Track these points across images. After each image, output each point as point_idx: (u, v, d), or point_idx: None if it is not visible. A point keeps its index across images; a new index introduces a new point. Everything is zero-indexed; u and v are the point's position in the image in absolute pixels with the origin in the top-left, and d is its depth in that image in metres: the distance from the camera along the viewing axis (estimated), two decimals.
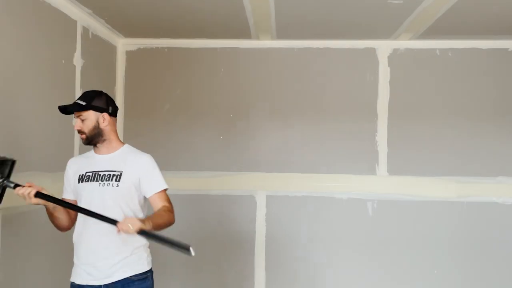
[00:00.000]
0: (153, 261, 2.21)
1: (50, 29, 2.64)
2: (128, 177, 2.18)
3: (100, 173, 2.18)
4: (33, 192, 1.95)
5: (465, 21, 3.09)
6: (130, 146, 2.32)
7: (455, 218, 3.53)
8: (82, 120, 2.17)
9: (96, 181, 2.16)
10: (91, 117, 2.18)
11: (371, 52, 3.61)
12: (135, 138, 3.68)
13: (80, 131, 2.17)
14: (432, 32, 3.30)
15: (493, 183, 3.53)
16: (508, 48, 3.54)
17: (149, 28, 3.40)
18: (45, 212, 2.13)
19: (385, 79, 3.59)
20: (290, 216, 3.64)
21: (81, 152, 2.97)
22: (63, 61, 2.79)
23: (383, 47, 3.60)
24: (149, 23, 3.28)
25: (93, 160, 2.23)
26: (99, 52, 3.32)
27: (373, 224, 3.58)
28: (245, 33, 3.44)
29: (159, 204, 2.18)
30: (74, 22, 2.92)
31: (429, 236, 3.54)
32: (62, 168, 2.73)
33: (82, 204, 2.15)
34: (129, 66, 3.70)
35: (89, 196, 2.14)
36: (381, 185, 3.57)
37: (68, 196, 2.26)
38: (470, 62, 3.57)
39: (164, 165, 3.57)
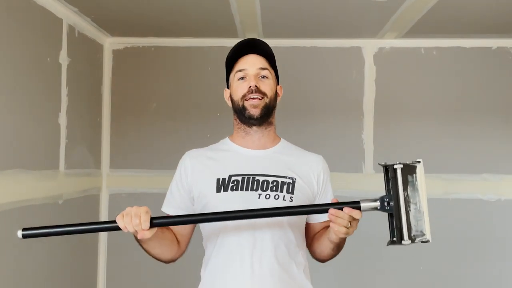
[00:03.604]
0: None
1: (35, 27, 2.64)
2: (303, 188, 1.50)
3: (258, 178, 1.44)
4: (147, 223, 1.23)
5: (448, 20, 3.13)
6: (289, 142, 1.62)
7: (441, 215, 3.57)
8: (263, 77, 1.52)
9: (254, 189, 1.43)
10: (273, 80, 1.55)
11: (357, 51, 3.64)
12: (122, 137, 3.69)
13: (258, 90, 1.49)
14: (416, 30, 3.34)
15: (478, 180, 3.57)
16: (491, 47, 3.59)
17: (136, 27, 3.40)
18: None
19: (371, 77, 3.63)
20: None
21: (68, 149, 2.96)
22: (48, 59, 2.79)
23: (369, 46, 3.63)
24: (136, 22, 3.28)
25: (239, 157, 1.52)
26: (85, 50, 3.31)
27: (359, 222, 3.59)
28: (231, 32, 3.46)
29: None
30: (60, 20, 2.92)
31: None
32: (48, 165, 2.73)
33: (224, 227, 1.42)
34: (116, 65, 3.70)
35: None
36: (367, 183, 3.60)
37: (173, 212, 1.53)
38: (455, 61, 3.61)
39: (151, 164, 3.65)
